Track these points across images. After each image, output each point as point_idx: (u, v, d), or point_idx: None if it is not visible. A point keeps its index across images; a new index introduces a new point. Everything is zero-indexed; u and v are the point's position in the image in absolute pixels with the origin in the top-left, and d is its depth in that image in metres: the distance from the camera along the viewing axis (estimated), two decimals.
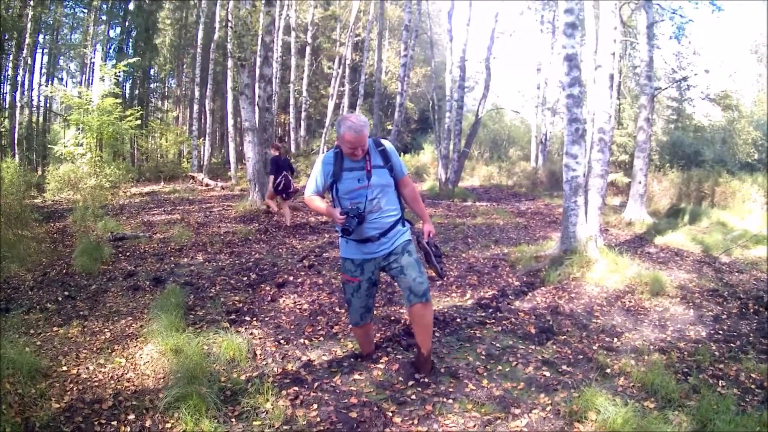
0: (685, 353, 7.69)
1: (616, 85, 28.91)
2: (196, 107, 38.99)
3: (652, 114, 23.12)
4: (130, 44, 38.93)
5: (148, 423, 5.23)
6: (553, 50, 40.97)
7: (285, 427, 5.24)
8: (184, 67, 45.44)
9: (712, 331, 8.76)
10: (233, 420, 5.38)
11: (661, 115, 41.11)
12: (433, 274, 6.67)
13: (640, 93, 22.51)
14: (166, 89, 48.78)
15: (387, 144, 6.42)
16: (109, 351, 6.97)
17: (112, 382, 6.12)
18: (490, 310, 9.31)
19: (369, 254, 6.33)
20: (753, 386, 6.69)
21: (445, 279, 7.89)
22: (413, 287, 6.17)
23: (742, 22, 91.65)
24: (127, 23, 38.28)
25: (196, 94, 38.24)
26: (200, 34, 36.20)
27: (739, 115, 39.78)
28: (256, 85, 22.70)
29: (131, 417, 5.34)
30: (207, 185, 29.70)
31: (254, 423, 5.32)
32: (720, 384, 6.65)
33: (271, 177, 16.92)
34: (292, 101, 43.55)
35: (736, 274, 12.86)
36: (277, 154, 17.27)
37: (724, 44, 72.49)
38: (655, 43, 24.49)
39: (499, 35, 34.44)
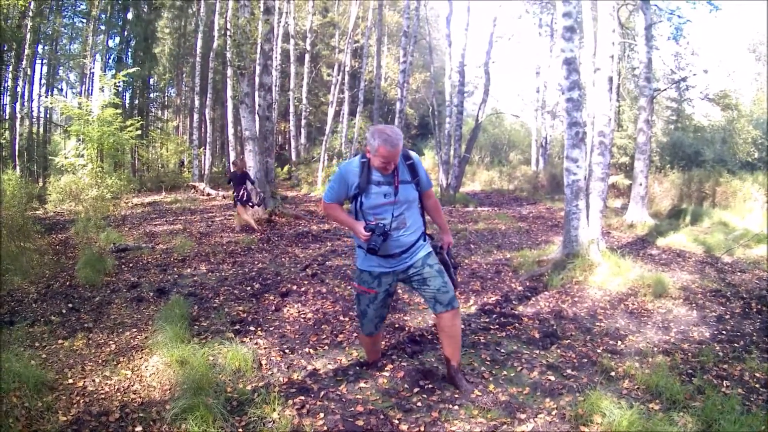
0: (689, 354, 7.71)
1: (615, 87, 28.99)
2: (196, 116, 38.99)
3: (652, 115, 23.16)
4: (130, 54, 38.92)
5: None
6: (552, 53, 41.08)
7: None
8: (184, 76, 45.49)
9: (715, 332, 8.77)
10: (240, 430, 5.38)
11: (661, 116, 41.17)
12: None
13: (640, 95, 22.57)
14: (166, 99, 48.86)
15: (415, 157, 6.26)
16: (115, 363, 6.97)
17: (119, 394, 6.12)
18: (494, 316, 9.35)
19: (387, 268, 6.22)
20: (757, 386, 6.69)
21: (456, 288, 7.88)
22: (438, 297, 6.12)
23: (740, 21, 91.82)
24: (126, 33, 38.27)
25: (196, 103, 38.25)
26: (199, 43, 36.18)
27: (738, 114, 39.77)
28: (256, 93, 22.77)
29: (138, 429, 5.34)
30: (208, 195, 29.71)
31: None
32: (724, 384, 6.67)
33: (234, 191, 18.15)
34: (292, 109, 43.59)
35: (739, 273, 12.88)
36: (234, 170, 18.56)
37: (722, 44, 72.74)
38: (653, 45, 24.58)
39: (497, 39, 34.61)
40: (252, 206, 18.57)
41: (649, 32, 21.58)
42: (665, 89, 35.99)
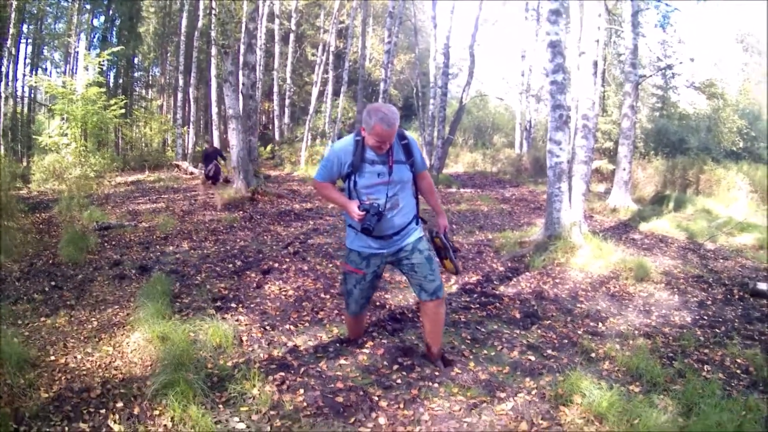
0: (670, 338, 7.78)
1: (600, 72, 29.05)
2: (180, 95, 38.82)
3: (637, 101, 23.28)
4: (114, 33, 38.73)
5: (136, 410, 5.21)
6: (538, 37, 40.99)
7: (272, 412, 5.25)
8: (168, 55, 45.37)
9: (697, 317, 8.85)
10: (220, 406, 5.37)
11: (646, 103, 41.32)
12: (449, 270, 6.61)
13: (625, 80, 22.58)
14: (150, 78, 48.68)
15: (410, 137, 6.16)
16: (97, 340, 6.95)
17: (100, 370, 6.10)
18: (475, 296, 9.39)
19: (377, 249, 6.17)
20: (738, 371, 6.75)
21: (458, 273, 7.89)
22: (424, 285, 6.11)
23: (728, 11, 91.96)
24: (111, 12, 38.08)
25: (180, 82, 38.04)
26: (184, 22, 36.03)
27: (724, 103, 39.91)
28: (240, 72, 22.77)
29: (119, 405, 5.31)
30: (191, 173, 29.62)
31: (241, 408, 5.33)
32: (705, 369, 6.72)
33: (203, 166, 19.54)
34: (276, 88, 43.42)
35: (721, 260, 12.98)
36: (206, 147, 20.67)
37: (710, 33, 72.81)
38: (640, 31, 24.63)
39: (483, 22, 34.72)
40: (216, 182, 19.67)
41: (635, 19, 21.62)
42: (651, 76, 36.14)
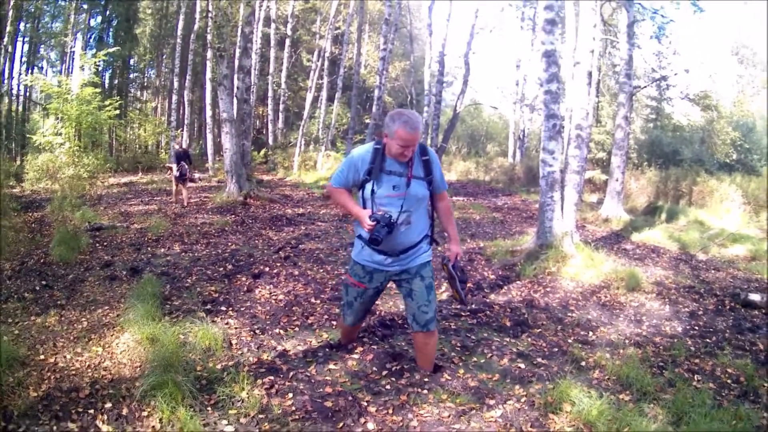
0: (661, 348, 7.78)
1: (594, 82, 29.14)
2: (174, 98, 38.86)
3: (631, 112, 23.29)
4: (111, 34, 38.87)
5: (124, 411, 5.19)
6: (533, 47, 41.15)
7: (260, 416, 5.24)
8: (164, 57, 45.42)
9: (687, 327, 8.86)
10: (209, 408, 5.35)
11: (640, 114, 41.38)
12: (456, 298, 6.54)
13: (619, 91, 22.62)
14: (146, 79, 48.77)
15: (432, 153, 6.01)
16: (86, 340, 6.94)
17: (89, 370, 6.09)
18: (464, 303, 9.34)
19: (382, 266, 6.04)
20: (729, 381, 6.75)
21: (468, 307, 7.90)
22: (417, 315, 6.02)
23: (724, 23, 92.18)
24: (107, 12, 38.15)
25: (175, 84, 38.12)
26: (180, 25, 36.17)
27: (718, 115, 40.03)
28: (235, 76, 22.83)
29: (108, 405, 5.29)
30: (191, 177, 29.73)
31: (230, 411, 5.31)
32: (696, 378, 6.72)
33: (173, 166, 19.84)
34: (270, 93, 43.49)
35: (713, 271, 13.02)
36: (177, 148, 21.13)
37: (705, 45, 72.90)
38: (635, 42, 24.65)
39: (479, 31, 34.78)
40: (184, 182, 19.92)
41: (631, 30, 21.65)
42: (645, 87, 36.15)
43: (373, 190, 5.73)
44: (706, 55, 69.88)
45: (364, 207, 5.82)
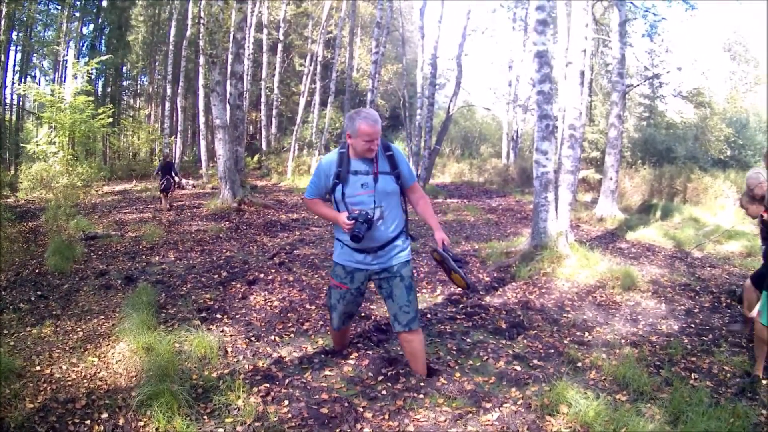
0: (657, 347, 7.77)
1: (587, 82, 29.13)
2: (167, 105, 38.93)
3: (624, 111, 23.34)
4: (103, 41, 38.87)
5: (121, 421, 5.20)
6: (525, 47, 41.17)
7: (257, 424, 5.24)
8: (157, 64, 45.48)
9: (684, 325, 8.84)
10: (205, 417, 5.36)
11: (633, 113, 41.46)
12: (459, 284, 6.50)
13: (612, 90, 22.65)
14: (138, 87, 48.77)
15: (395, 148, 6.09)
16: (82, 350, 6.95)
17: (85, 381, 6.09)
18: (461, 306, 9.37)
19: (362, 265, 6.10)
20: (726, 379, 6.75)
21: (470, 289, 7.87)
22: (398, 315, 6.04)
23: (716, 20, 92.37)
24: (100, 20, 38.15)
25: (168, 91, 38.22)
26: (173, 31, 36.20)
27: (711, 112, 40.06)
28: (228, 82, 22.79)
29: (104, 416, 5.31)
30: (177, 184, 29.72)
31: (226, 420, 5.31)
32: (693, 377, 6.72)
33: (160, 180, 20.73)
34: (263, 98, 43.55)
35: (708, 268, 13.01)
36: (163, 159, 22.07)
37: (697, 42, 73.00)
38: (627, 41, 24.64)
39: (471, 32, 34.75)
40: (168, 194, 20.84)
41: (623, 28, 21.68)
42: (638, 85, 36.17)
43: (343, 192, 5.85)
44: (698, 52, 70.05)
45: (338, 209, 5.96)
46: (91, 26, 39.03)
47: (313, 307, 8.97)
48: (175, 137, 37.53)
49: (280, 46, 43.70)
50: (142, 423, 5.18)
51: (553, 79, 13.25)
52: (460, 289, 7.10)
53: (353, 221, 5.66)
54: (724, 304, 10.03)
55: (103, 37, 39.05)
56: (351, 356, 6.87)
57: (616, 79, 21.72)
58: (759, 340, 6.69)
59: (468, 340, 7.73)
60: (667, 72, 34.11)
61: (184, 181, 29.79)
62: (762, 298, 6.74)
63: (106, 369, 6.40)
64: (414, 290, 6.17)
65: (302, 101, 39.56)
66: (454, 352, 7.20)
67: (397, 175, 5.98)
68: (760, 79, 51.48)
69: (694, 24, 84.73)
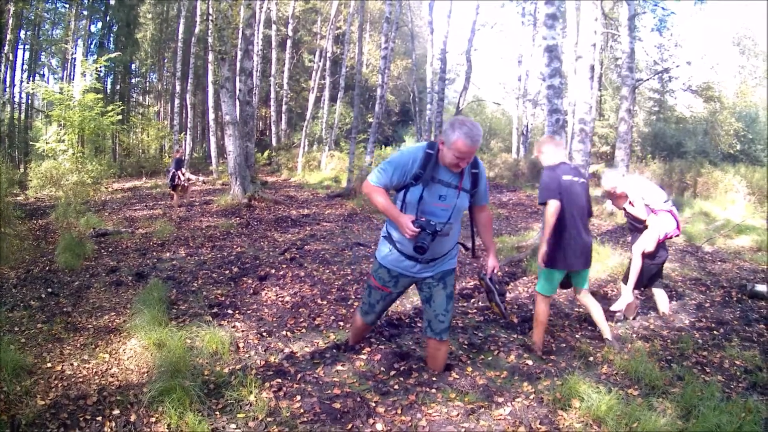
0: (669, 341, 7.75)
1: (597, 76, 29.10)
2: (177, 102, 38.95)
3: (634, 105, 23.27)
4: (112, 39, 38.88)
5: (132, 418, 5.21)
6: (534, 42, 41.04)
7: (269, 419, 5.24)
8: (165, 61, 45.45)
9: (695, 319, 8.84)
10: (217, 413, 5.35)
11: (643, 107, 41.37)
12: (496, 313, 6.46)
13: (622, 84, 22.56)
14: (147, 84, 48.75)
15: (482, 166, 5.81)
16: (93, 347, 6.96)
17: (97, 377, 6.10)
18: (472, 300, 9.38)
19: (409, 272, 5.90)
20: (738, 373, 6.72)
21: (505, 318, 7.81)
22: (433, 323, 5.96)
23: (725, 14, 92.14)
24: (108, 18, 38.16)
25: (177, 88, 38.22)
26: (181, 28, 36.13)
27: (721, 106, 39.98)
28: (237, 78, 22.85)
29: (116, 412, 5.32)
30: (189, 180, 29.65)
31: (238, 416, 5.31)
32: (704, 371, 6.70)
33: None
34: (272, 95, 43.50)
35: (719, 263, 12.98)
36: (176, 155, 22.28)
37: (707, 36, 72.82)
38: (636, 35, 24.61)
39: (480, 27, 34.67)
40: (175, 189, 21.37)
41: (632, 23, 21.60)
42: (647, 79, 36.10)
43: (421, 197, 5.49)
44: (707, 46, 69.91)
45: (404, 212, 5.61)
46: (100, 24, 39.04)
47: (325, 303, 8.98)
48: (185, 134, 37.48)
49: (289, 42, 43.65)
50: (153, 419, 5.18)
51: (563, 74, 13.22)
52: (496, 315, 7.08)
53: (419, 229, 5.37)
54: (735, 299, 10.01)
55: (112, 35, 39.06)
56: (363, 351, 6.87)
57: (626, 74, 21.64)
58: None
59: (480, 334, 7.74)
60: (677, 66, 34.07)
61: (193, 177, 29.77)
62: None
63: (118, 365, 6.42)
64: (452, 300, 6.08)
65: (312, 97, 39.58)
66: (466, 347, 7.21)
67: (474, 193, 5.77)
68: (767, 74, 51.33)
69: (703, 18, 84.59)
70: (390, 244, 5.87)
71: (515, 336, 7.71)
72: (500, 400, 5.71)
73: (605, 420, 5.24)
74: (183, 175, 21.14)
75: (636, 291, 8.84)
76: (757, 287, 10.22)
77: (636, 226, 8.69)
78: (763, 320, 8.91)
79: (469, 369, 6.43)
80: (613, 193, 8.78)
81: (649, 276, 8.67)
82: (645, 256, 8.47)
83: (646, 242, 8.43)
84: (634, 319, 8.67)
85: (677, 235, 8.99)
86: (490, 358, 6.84)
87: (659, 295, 8.96)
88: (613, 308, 8.50)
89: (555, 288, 7.37)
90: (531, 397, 5.77)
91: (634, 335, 7.95)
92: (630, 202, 8.64)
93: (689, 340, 7.66)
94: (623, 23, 21.85)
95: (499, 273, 6.18)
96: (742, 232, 16.91)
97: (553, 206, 6.86)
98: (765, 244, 14.94)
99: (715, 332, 8.26)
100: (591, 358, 6.94)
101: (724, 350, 7.42)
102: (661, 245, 8.66)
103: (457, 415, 5.39)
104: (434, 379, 6.10)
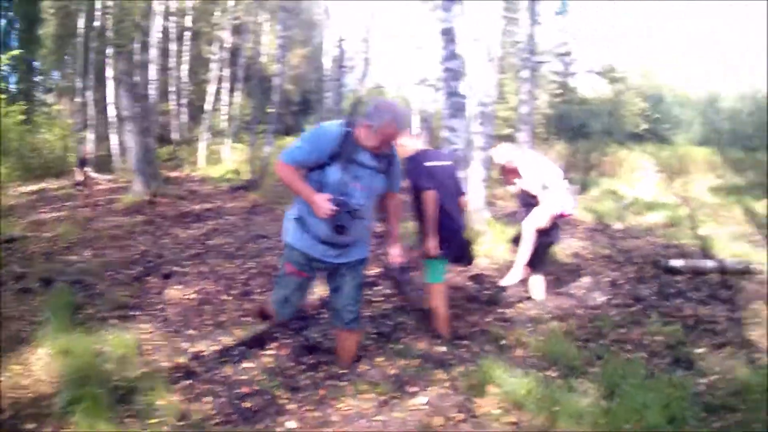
0: (585, 320, 7.87)
1: (497, 58, 29.39)
2: (79, 99, 38.33)
3: (535, 87, 23.49)
4: (14, 36, 38.20)
5: (47, 430, 5.11)
6: (433, 25, 41.26)
7: (180, 423, 5.18)
8: (67, 57, 44.73)
9: (610, 297, 8.96)
10: (129, 419, 5.25)
11: (546, 89, 41.76)
12: (404, 301, 6.40)
13: (522, 67, 22.79)
14: (51, 82, 47.98)
15: (396, 152, 5.75)
16: (5, 358, 6.80)
17: (10, 390, 5.91)
18: (377, 288, 9.35)
19: (325, 257, 5.67)
20: (659, 349, 6.84)
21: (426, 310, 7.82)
22: (342, 312, 5.87)
23: None
24: (10, 14, 37.50)
25: (80, 85, 37.57)
26: (81, 23, 35.55)
27: (626, 87, 40.55)
28: (135, 72, 22.53)
29: (31, 426, 5.18)
30: (93, 179, 29.30)
31: (150, 421, 5.22)
32: (624, 349, 6.81)
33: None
34: (172, 88, 43.07)
35: (631, 240, 13.19)
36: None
37: (611, 19, 73.81)
38: (537, 18, 24.82)
39: (379, 13, 34.66)
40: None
41: (533, 5, 21.84)
42: (549, 62, 36.55)
43: (338, 177, 5.34)
44: (611, 28, 70.86)
45: (320, 192, 5.37)
46: (2, 21, 38.37)
47: (230, 298, 8.95)
48: (88, 132, 36.88)
49: (188, 34, 43.23)
50: (67, 430, 5.08)
51: (460, 57, 13.29)
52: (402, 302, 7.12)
53: (337, 208, 5.22)
54: (650, 274, 10.21)
55: (15, 32, 38.40)
56: (270, 346, 6.84)
57: (526, 56, 21.90)
58: None
59: (388, 322, 7.75)
60: (579, 49, 34.55)
61: (97, 175, 29.46)
62: None
63: (30, 376, 6.24)
64: (362, 289, 6.07)
65: (212, 89, 39.28)
66: (375, 336, 7.20)
67: (388, 177, 5.66)
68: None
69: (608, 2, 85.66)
70: (300, 225, 5.67)
71: (425, 322, 7.63)
72: (413, 389, 5.71)
73: (525, 404, 5.27)
74: (85, 174, 21.03)
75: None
76: (672, 262, 10.44)
77: (529, 201, 8.72)
78: (680, 294, 9.08)
79: (379, 359, 6.42)
80: (506, 168, 8.79)
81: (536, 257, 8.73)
82: (538, 232, 8.54)
83: (539, 218, 8.48)
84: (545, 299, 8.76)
85: (570, 215, 9.07)
86: (400, 347, 6.82)
87: (535, 280, 9.00)
88: (503, 283, 8.59)
89: (445, 272, 7.37)
90: (445, 384, 5.79)
91: (548, 315, 8.05)
92: (520, 176, 8.67)
93: (606, 318, 7.79)
94: (524, 6, 22.12)
95: (402, 260, 6.08)
96: (653, 208, 17.22)
97: (430, 196, 6.84)
98: (677, 220, 15.23)
99: (632, 309, 8.38)
100: (504, 342, 6.99)
101: (644, 326, 7.54)
102: (556, 226, 8.75)
103: (370, 407, 5.39)
104: (344, 371, 6.08)
